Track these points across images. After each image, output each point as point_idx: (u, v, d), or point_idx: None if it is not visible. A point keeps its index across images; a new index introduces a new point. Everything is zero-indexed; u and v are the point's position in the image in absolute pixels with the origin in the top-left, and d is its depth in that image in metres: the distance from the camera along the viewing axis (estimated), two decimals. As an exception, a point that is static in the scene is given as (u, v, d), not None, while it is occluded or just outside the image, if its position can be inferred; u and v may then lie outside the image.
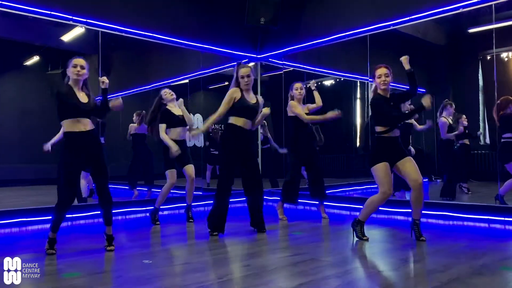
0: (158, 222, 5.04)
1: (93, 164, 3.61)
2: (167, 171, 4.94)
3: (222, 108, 4.21)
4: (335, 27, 6.31)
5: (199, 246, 4.00)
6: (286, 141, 7.73)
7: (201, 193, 6.76)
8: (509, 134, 5.19)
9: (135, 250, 3.76)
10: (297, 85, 5.28)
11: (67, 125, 3.51)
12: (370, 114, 6.50)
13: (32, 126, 8.39)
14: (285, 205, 5.40)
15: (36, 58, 9.07)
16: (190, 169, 5.02)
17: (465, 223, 4.70)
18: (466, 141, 6.59)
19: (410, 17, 5.49)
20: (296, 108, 5.04)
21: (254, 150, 4.78)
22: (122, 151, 7.95)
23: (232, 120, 4.25)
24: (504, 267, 2.99)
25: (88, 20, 5.37)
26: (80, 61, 3.60)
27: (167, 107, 4.96)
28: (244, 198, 4.53)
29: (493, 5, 4.90)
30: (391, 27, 5.70)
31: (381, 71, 3.97)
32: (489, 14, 4.99)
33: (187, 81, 8.24)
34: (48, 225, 3.65)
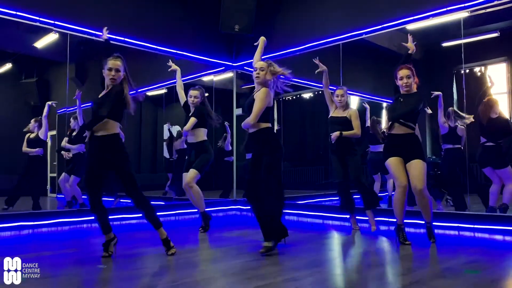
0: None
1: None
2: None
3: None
4: (309, 35, 6.31)
5: (161, 251, 3.85)
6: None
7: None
8: (484, 139, 4.98)
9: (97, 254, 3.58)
10: (339, 91, 4.85)
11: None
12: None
13: (4, 135, 8.11)
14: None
15: (8, 66, 8.85)
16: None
17: (436, 230, 4.66)
18: None
19: (382, 26, 5.53)
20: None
21: None
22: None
23: (268, 124, 3.70)
24: (468, 270, 2.94)
25: (56, 22, 5.25)
26: (115, 63, 3.23)
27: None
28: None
29: (462, 20, 4.95)
30: (364, 36, 5.73)
31: (403, 72, 3.76)
32: (458, 29, 5.03)
33: (165, 90, 8.10)
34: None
